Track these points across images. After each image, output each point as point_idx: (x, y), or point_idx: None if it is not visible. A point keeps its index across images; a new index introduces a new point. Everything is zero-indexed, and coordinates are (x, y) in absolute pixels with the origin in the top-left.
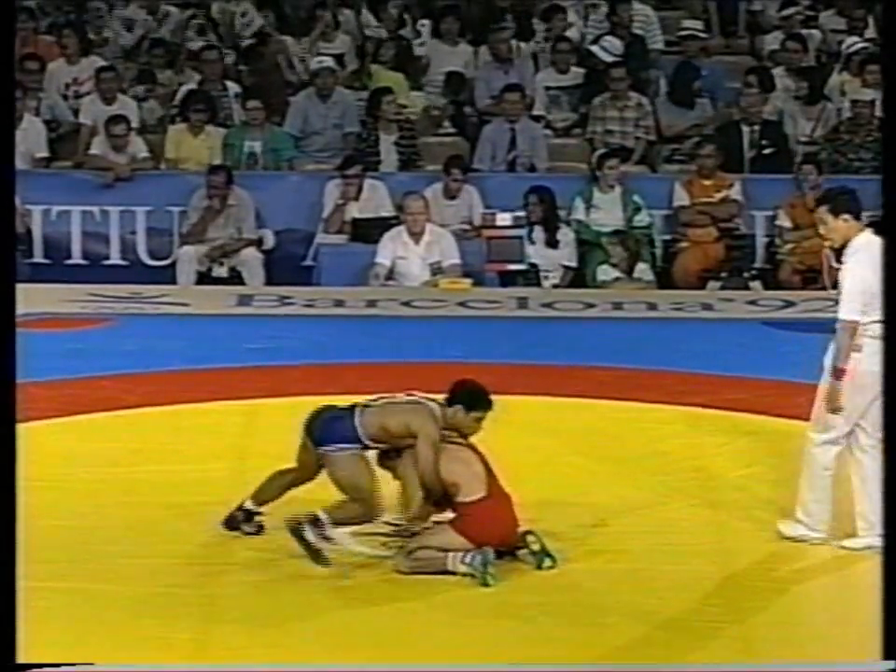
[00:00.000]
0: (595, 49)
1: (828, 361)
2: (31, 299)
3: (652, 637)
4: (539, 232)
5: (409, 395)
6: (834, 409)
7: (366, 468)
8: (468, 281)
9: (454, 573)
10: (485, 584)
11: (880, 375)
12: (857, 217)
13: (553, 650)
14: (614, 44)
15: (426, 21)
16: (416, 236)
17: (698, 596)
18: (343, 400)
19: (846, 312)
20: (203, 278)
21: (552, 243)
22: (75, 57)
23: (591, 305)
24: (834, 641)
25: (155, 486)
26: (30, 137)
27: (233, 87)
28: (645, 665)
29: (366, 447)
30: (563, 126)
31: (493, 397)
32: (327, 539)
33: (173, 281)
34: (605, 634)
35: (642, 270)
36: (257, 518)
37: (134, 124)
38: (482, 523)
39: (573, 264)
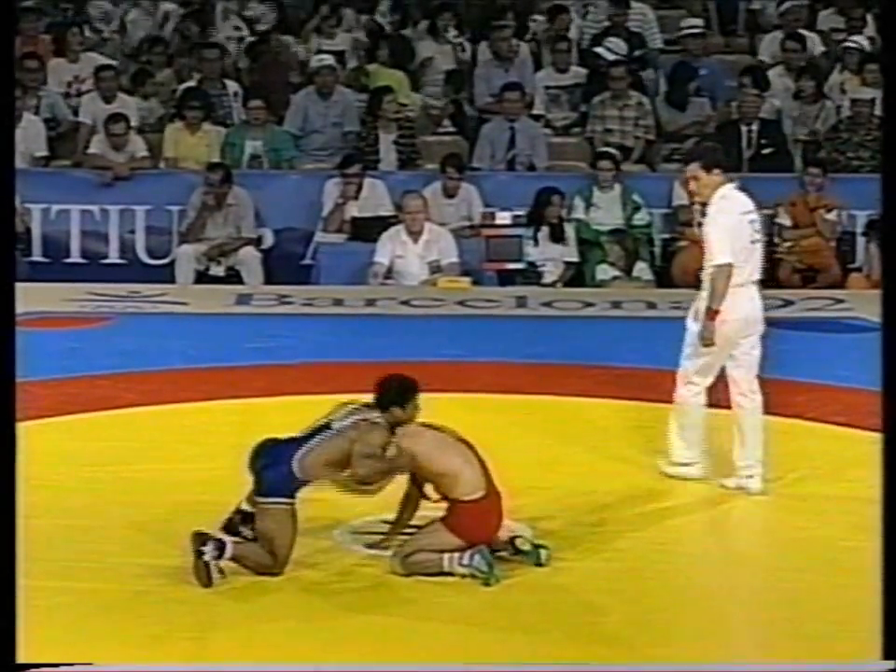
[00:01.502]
0: (599, 50)
1: (701, 304)
2: (30, 297)
3: (650, 635)
4: (545, 230)
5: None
6: (707, 343)
7: (289, 525)
8: (466, 280)
9: (451, 574)
10: (487, 584)
11: (750, 320)
12: (723, 172)
13: (550, 649)
14: (619, 45)
15: (423, 20)
16: (415, 235)
17: (697, 595)
18: (342, 399)
19: (719, 256)
20: (202, 277)
21: (559, 238)
22: (75, 55)
23: (590, 304)
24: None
25: (153, 485)
26: (29, 136)
27: (233, 85)
28: (644, 664)
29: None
30: (562, 125)
31: (492, 396)
32: (219, 568)
33: (171, 280)
34: (602, 632)
35: (641, 268)
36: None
37: (134, 123)
38: (478, 523)
39: (575, 259)
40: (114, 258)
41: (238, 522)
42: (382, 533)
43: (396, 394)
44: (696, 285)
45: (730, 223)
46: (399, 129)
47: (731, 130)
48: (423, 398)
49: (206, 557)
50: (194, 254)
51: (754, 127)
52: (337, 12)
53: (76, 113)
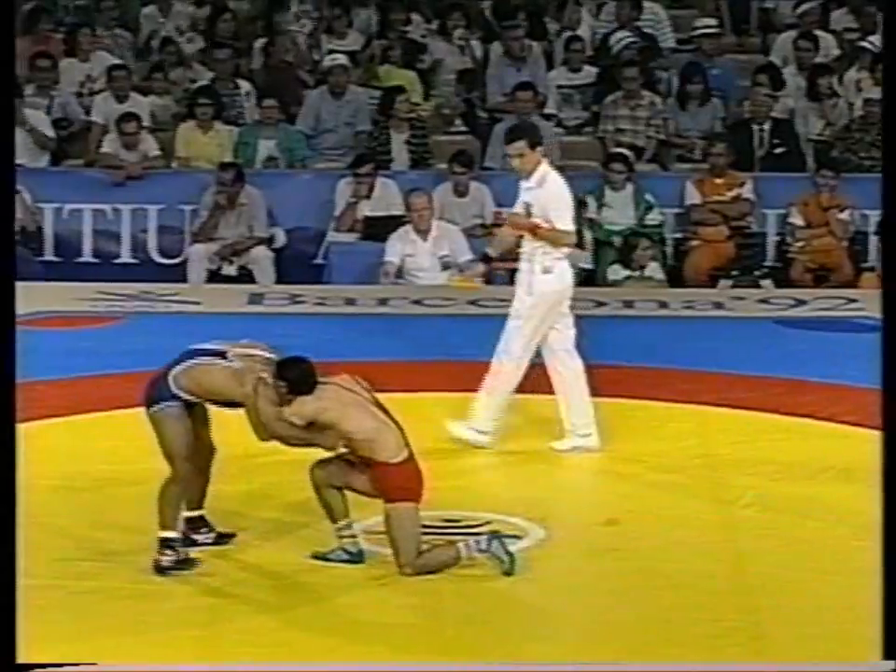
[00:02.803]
0: (611, 40)
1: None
2: (41, 297)
3: (663, 635)
4: None
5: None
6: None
7: (175, 426)
8: (478, 279)
9: (466, 560)
10: (509, 573)
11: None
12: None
13: (564, 648)
14: (628, 38)
15: (434, 20)
16: (423, 233)
17: (709, 594)
18: None
19: (565, 223)
20: (214, 276)
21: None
22: (86, 55)
23: (602, 304)
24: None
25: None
26: (38, 135)
27: (245, 85)
28: (653, 663)
29: (183, 404)
30: (574, 124)
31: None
32: (180, 554)
33: (183, 279)
34: (616, 632)
35: (653, 268)
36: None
37: (146, 122)
38: (413, 479)
39: (589, 266)
40: (126, 257)
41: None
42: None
43: (297, 376)
44: (709, 284)
45: (568, 198)
46: (412, 128)
47: (743, 129)
48: (436, 396)
49: (167, 563)
50: (206, 253)
51: (766, 126)
52: (349, 12)
53: (88, 112)
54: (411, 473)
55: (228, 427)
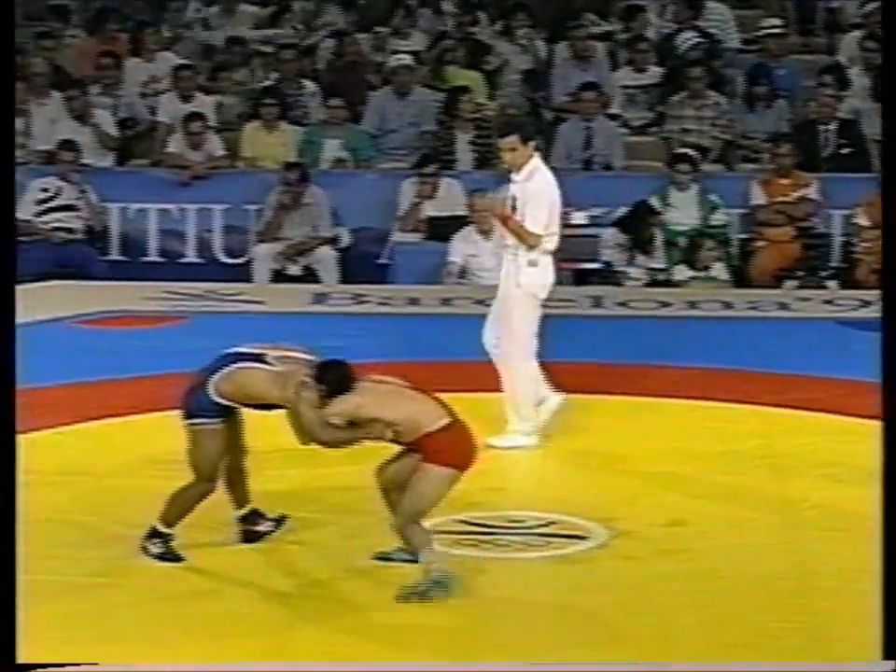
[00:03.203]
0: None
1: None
2: (107, 296)
3: (726, 636)
4: (638, 242)
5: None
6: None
7: (207, 444)
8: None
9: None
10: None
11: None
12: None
13: (624, 650)
14: (693, 38)
15: (499, 20)
16: (486, 233)
17: (772, 596)
18: None
19: (537, 226)
20: (279, 276)
21: (648, 251)
22: (151, 55)
23: (666, 304)
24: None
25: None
26: (103, 135)
27: (310, 85)
28: (645, 663)
29: (222, 412)
30: (639, 125)
31: (568, 396)
32: (168, 548)
33: (248, 279)
34: (678, 633)
35: (718, 269)
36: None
37: (211, 122)
38: (455, 445)
39: (661, 266)
40: (191, 256)
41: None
42: (456, 532)
43: (336, 378)
44: (774, 284)
45: (553, 197)
46: (476, 129)
47: (809, 130)
48: (500, 396)
49: (154, 552)
50: (271, 253)
51: (832, 127)
52: (413, 13)
53: (153, 112)
54: (452, 437)
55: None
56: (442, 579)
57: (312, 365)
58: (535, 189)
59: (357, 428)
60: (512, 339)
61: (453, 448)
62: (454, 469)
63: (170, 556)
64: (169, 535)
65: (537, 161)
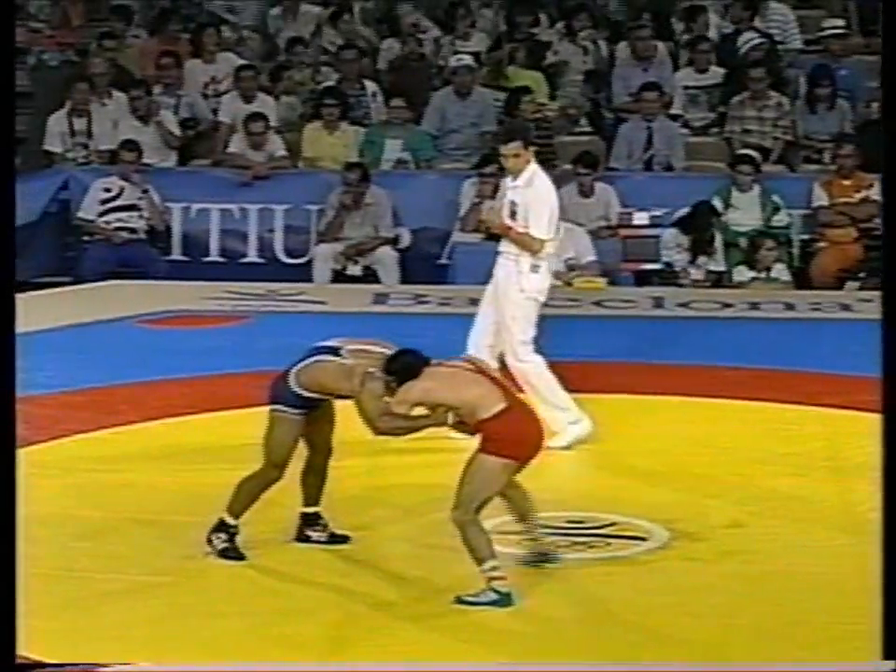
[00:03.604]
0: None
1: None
2: (169, 296)
3: (787, 636)
4: (698, 243)
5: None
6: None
7: (283, 432)
8: (602, 280)
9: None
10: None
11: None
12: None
13: (685, 650)
14: (754, 38)
15: (560, 21)
16: None
17: (834, 598)
18: None
19: (539, 229)
20: (339, 276)
21: (708, 252)
22: (211, 56)
23: (728, 305)
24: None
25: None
26: (165, 133)
27: (371, 86)
28: (646, 664)
29: (302, 403)
30: (701, 125)
31: (628, 396)
32: (231, 540)
33: (309, 279)
34: (738, 634)
35: (780, 270)
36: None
37: (273, 123)
38: (507, 433)
39: (722, 268)
40: (252, 256)
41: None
42: (514, 532)
43: (403, 367)
44: (836, 286)
45: (553, 202)
46: (537, 129)
47: (871, 130)
48: None
49: (218, 546)
50: (332, 253)
51: None
52: (473, 14)
53: (215, 113)
54: (505, 425)
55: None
56: (502, 593)
57: (385, 357)
58: (536, 194)
59: (419, 416)
60: (517, 342)
61: (505, 437)
62: (505, 459)
63: (232, 554)
64: (234, 528)
65: (534, 165)
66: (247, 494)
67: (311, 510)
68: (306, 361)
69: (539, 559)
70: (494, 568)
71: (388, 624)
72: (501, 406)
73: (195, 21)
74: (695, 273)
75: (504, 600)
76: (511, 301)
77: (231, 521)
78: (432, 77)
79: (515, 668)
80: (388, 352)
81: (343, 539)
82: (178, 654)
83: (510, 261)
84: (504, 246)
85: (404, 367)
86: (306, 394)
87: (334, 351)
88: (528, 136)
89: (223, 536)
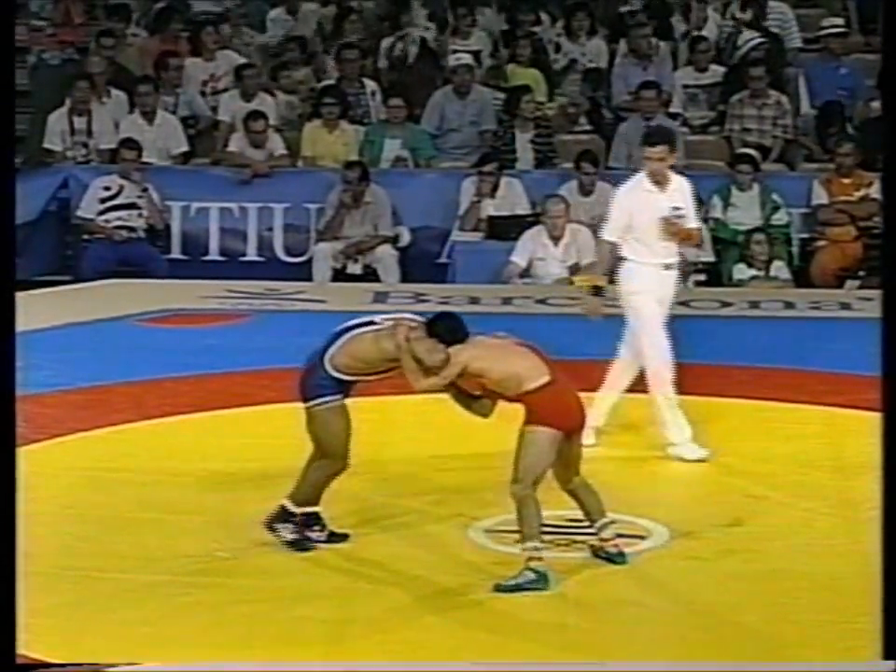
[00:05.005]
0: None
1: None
2: (169, 294)
3: (787, 636)
4: None
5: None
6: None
7: (335, 422)
8: (603, 278)
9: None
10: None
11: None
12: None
13: (685, 650)
14: (754, 38)
15: (560, 19)
16: (556, 239)
17: (835, 597)
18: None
19: (604, 232)
20: (339, 275)
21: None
22: (210, 54)
23: (727, 304)
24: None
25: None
26: (166, 133)
27: (371, 84)
28: (646, 664)
29: (344, 387)
30: (700, 124)
31: (628, 395)
32: (297, 527)
33: (309, 278)
34: (738, 633)
35: (779, 268)
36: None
37: (272, 121)
38: (552, 405)
39: (711, 259)
40: (252, 255)
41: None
42: (515, 531)
43: (447, 330)
44: (836, 284)
45: (623, 202)
46: (536, 127)
47: (871, 129)
48: None
49: (285, 536)
50: (331, 252)
51: None
52: (473, 12)
53: (214, 111)
54: (551, 397)
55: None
56: (542, 573)
57: (422, 321)
58: (688, 193)
59: (466, 398)
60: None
61: (550, 408)
62: (553, 430)
63: (300, 546)
64: (297, 516)
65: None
66: (313, 484)
67: (311, 509)
68: (338, 343)
69: (604, 558)
70: (536, 549)
71: (389, 623)
72: (546, 378)
73: (193, 20)
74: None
75: (541, 580)
76: (664, 303)
77: (294, 509)
78: (434, 77)
79: (515, 668)
80: (421, 320)
81: (343, 538)
82: (179, 654)
83: (669, 272)
84: (672, 257)
85: (449, 329)
86: (345, 377)
87: (369, 323)
88: (674, 140)
89: (290, 526)
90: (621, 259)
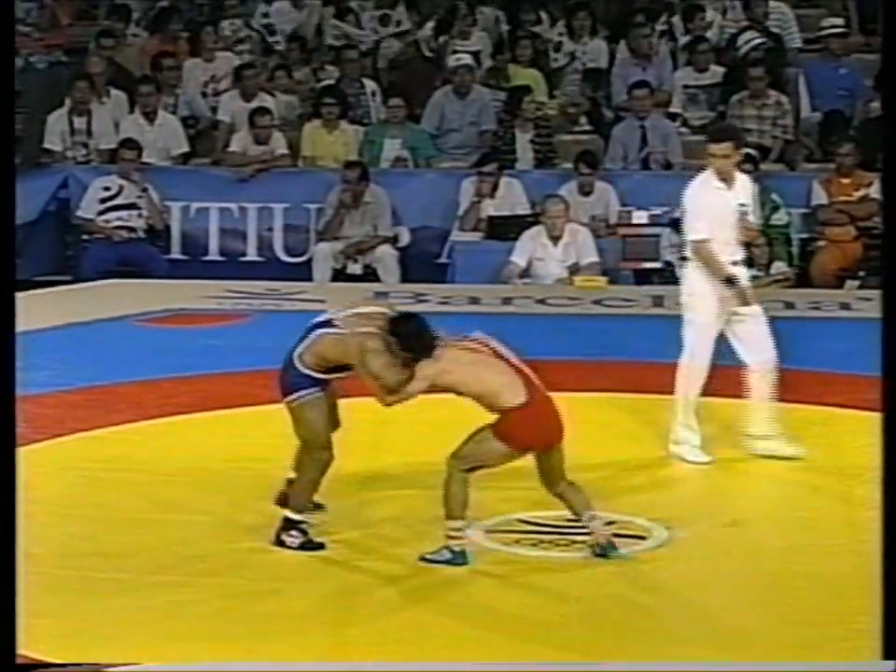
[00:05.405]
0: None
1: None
2: (169, 295)
3: (787, 636)
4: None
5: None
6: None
7: (313, 414)
8: (603, 279)
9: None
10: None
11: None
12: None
13: (685, 650)
14: (755, 38)
15: (561, 19)
16: (555, 239)
17: (835, 597)
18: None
19: (694, 232)
20: (339, 275)
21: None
22: (210, 55)
23: None
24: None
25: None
26: (166, 134)
27: (370, 84)
28: (646, 663)
29: (319, 382)
30: (700, 124)
31: (628, 395)
32: (303, 532)
33: (308, 278)
34: (738, 633)
35: (779, 268)
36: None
37: (273, 121)
38: (523, 428)
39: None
40: (252, 255)
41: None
42: (516, 531)
43: (409, 338)
44: (835, 284)
45: (702, 198)
46: (536, 128)
47: (871, 129)
48: (560, 396)
49: (293, 545)
50: (331, 252)
51: None
52: (473, 12)
53: (213, 111)
54: (526, 418)
55: None
56: (456, 551)
57: (384, 316)
58: (750, 191)
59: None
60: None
61: (521, 432)
62: (513, 450)
63: (310, 546)
64: (301, 522)
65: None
66: (306, 486)
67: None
68: (305, 342)
69: (599, 553)
70: (457, 529)
71: (388, 622)
72: (522, 399)
73: (193, 20)
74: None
75: (458, 558)
76: (759, 308)
77: (296, 517)
78: (434, 77)
79: (515, 668)
80: (388, 312)
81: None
82: (179, 654)
83: (741, 268)
84: (738, 254)
85: (414, 336)
86: (315, 374)
87: (328, 323)
88: (740, 138)
89: (295, 532)
90: (684, 259)
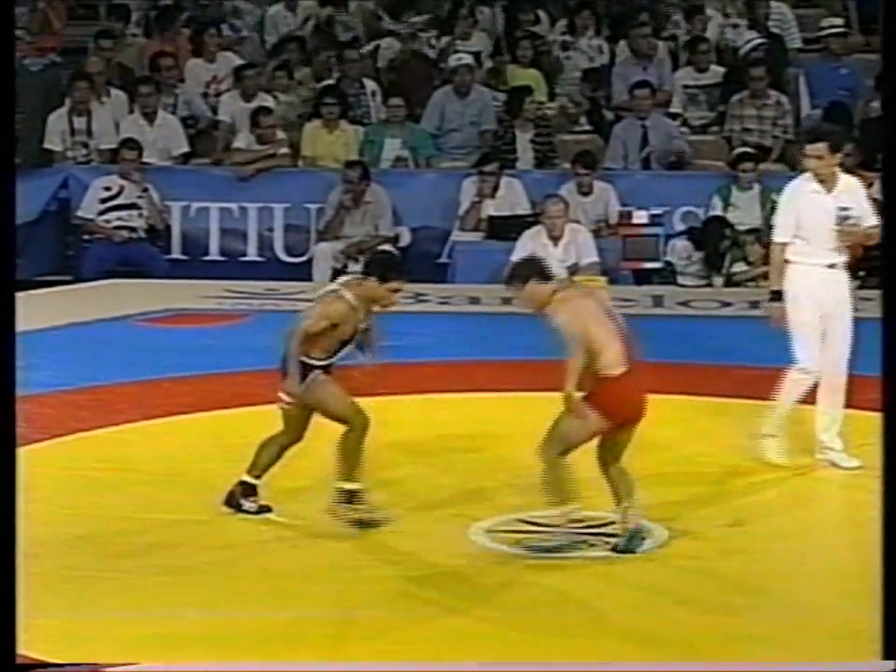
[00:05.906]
0: (740, 41)
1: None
2: (169, 294)
3: (787, 636)
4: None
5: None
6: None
7: (328, 390)
8: (602, 279)
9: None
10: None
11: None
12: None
13: (685, 650)
14: (754, 37)
15: (562, 19)
16: (555, 239)
17: (835, 597)
18: (477, 398)
19: (775, 233)
20: (339, 275)
21: (719, 266)
22: (212, 55)
23: (727, 304)
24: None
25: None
26: (167, 134)
27: (371, 84)
28: (646, 663)
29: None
30: (700, 124)
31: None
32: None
33: (309, 277)
34: (738, 633)
35: None
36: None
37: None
38: (620, 400)
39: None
40: (252, 255)
41: (239, 494)
42: (517, 531)
43: (378, 267)
44: None
45: (791, 202)
46: (536, 128)
47: (871, 128)
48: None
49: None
50: (332, 252)
51: None
52: (474, 13)
53: (214, 112)
54: (622, 388)
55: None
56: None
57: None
58: (858, 193)
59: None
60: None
61: (616, 402)
62: (609, 421)
63: (368, 522)
64: (357, 491)
65: (839, 171)
66: (350, 455)
67: (251, 479)
68: (289, 345)
69: (621, 549)
70: (564, 515)
71: (389, 622)
72: (622, 369)
73: (194, 21)
74: (696, 271)
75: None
76: (845, 313)
77: (347, 486)
78: (434, 77)
79: (515, 668)
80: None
81: (267, 510)
82: (179, 653)
83: (835, 273)
84: (837, 258)
85: (379, 262)
86: (309, 361)
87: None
88: (836, 141)
89: (353, 506)
90: (786, 261)
